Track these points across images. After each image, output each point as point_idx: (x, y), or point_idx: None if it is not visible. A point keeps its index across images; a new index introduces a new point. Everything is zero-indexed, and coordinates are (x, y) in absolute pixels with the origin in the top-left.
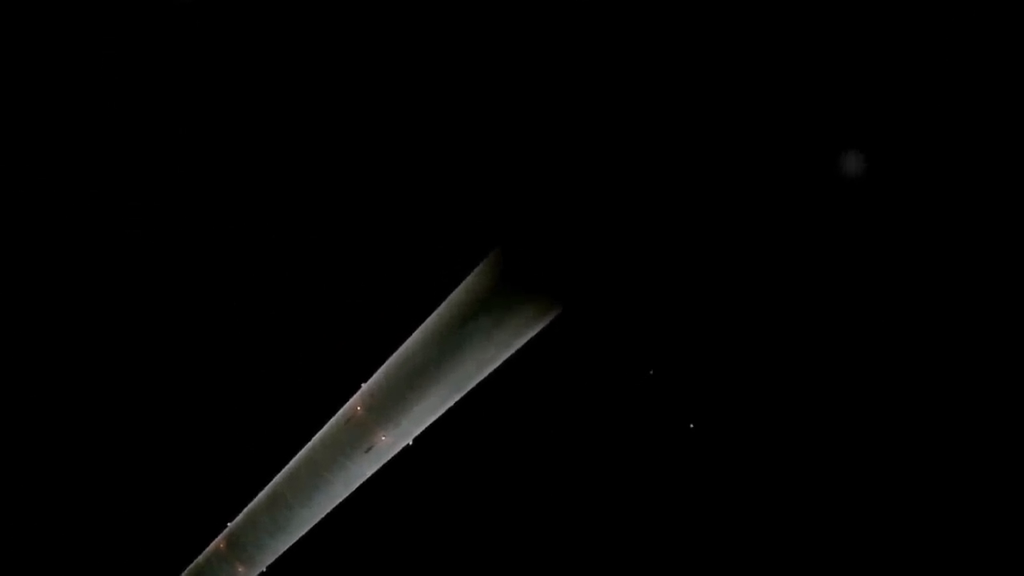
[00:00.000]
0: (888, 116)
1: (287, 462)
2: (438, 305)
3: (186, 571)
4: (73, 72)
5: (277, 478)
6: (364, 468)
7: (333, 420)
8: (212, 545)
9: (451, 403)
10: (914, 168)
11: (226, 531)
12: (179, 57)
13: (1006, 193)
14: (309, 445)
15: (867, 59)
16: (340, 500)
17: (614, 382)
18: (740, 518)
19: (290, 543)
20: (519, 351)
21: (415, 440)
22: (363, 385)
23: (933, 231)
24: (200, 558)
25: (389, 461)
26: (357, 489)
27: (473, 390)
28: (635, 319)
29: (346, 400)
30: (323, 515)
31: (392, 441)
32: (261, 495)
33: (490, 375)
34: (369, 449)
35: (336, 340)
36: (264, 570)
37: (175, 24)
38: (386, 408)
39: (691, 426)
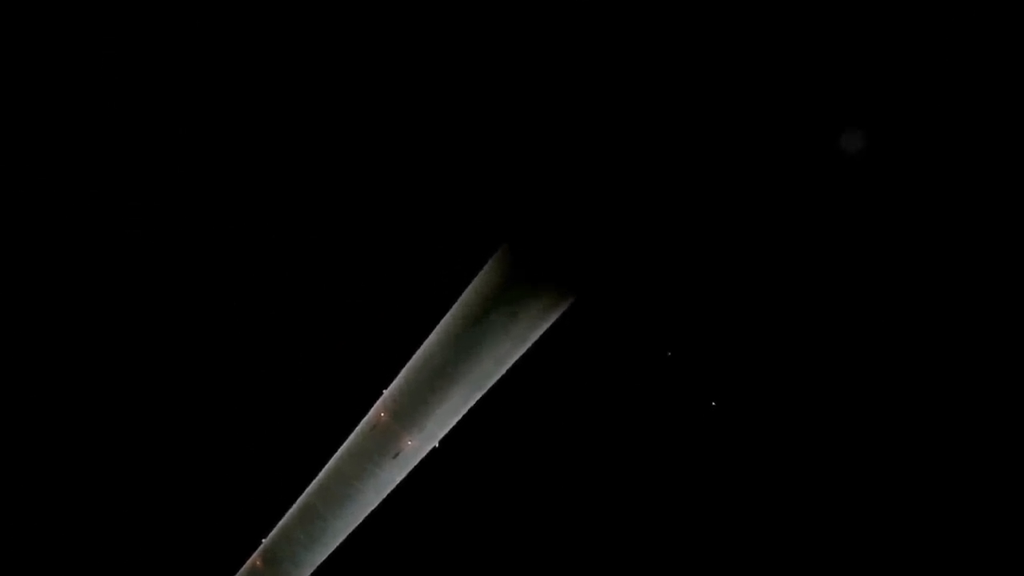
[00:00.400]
0: (898, 113)
1: (315, 474)
2: (449, 305)
3: None
4: (73, 72)
5: (308, 491)
6: (393, 474)
7: (358, 429)
8: (248, 563)
9: (473, 401)
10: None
11: (261, 548)
12: (189, 58)
13: (1006, 192)
14: (336, 455)
15: (877, 56)
16: (372, 508)
17: (631, 367)
18: (760, 504)
19: (326, 555)
20: (536, 344)
21: (441, 441)
22: (384, 391)
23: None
24: None
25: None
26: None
27: (494, 385)
28: (646, 303)
29: (368, 407)
30: (356, 524)
31: (419, 445)
32: (293, 509)
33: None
34: (397, 455)
35: (352, 347)
36: None
37: (179, 24)
38: (410, 412)
39: (713, 404)
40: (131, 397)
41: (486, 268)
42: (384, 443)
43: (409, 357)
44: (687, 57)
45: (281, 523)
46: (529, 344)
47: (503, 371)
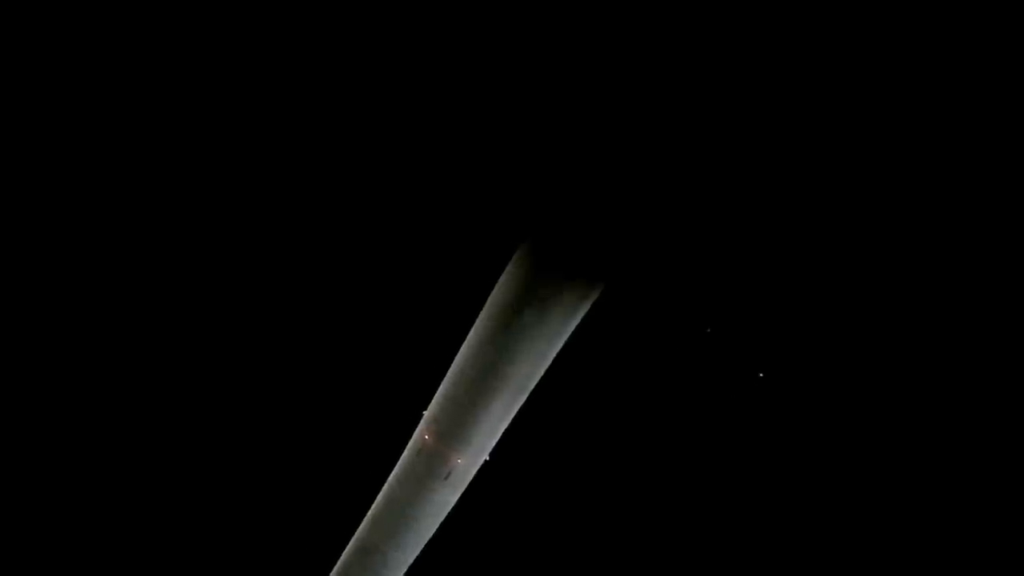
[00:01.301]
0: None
1: (366, 508)
2: (472, 311)
3: None
4: (73, 71)
5: (362, 528)
6: (448, 496)
7: (404, 455)
8: None
9: (517, 407)
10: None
11: None
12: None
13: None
14: (386, 486)
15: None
16: (431, 534)
17: (671, 349)
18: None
19: None
20: (573, 336)
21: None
22: (424, 412)
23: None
24: None
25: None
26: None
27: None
28: (678, 284)
29: (406, 429)
30: (418, 553)
31: (469, 461)
32: (349, 549)
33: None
34: (448, 475)
35: (380, 368)
36: None
37: (178, 24)
38: (454, 430)
39: (760, 375)
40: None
41: (508, 268)
42: (434, 466)
43: (440, 371)
44: (702, 48)
45: (339, 565)
46: (565, 339)
47: (543, 371)
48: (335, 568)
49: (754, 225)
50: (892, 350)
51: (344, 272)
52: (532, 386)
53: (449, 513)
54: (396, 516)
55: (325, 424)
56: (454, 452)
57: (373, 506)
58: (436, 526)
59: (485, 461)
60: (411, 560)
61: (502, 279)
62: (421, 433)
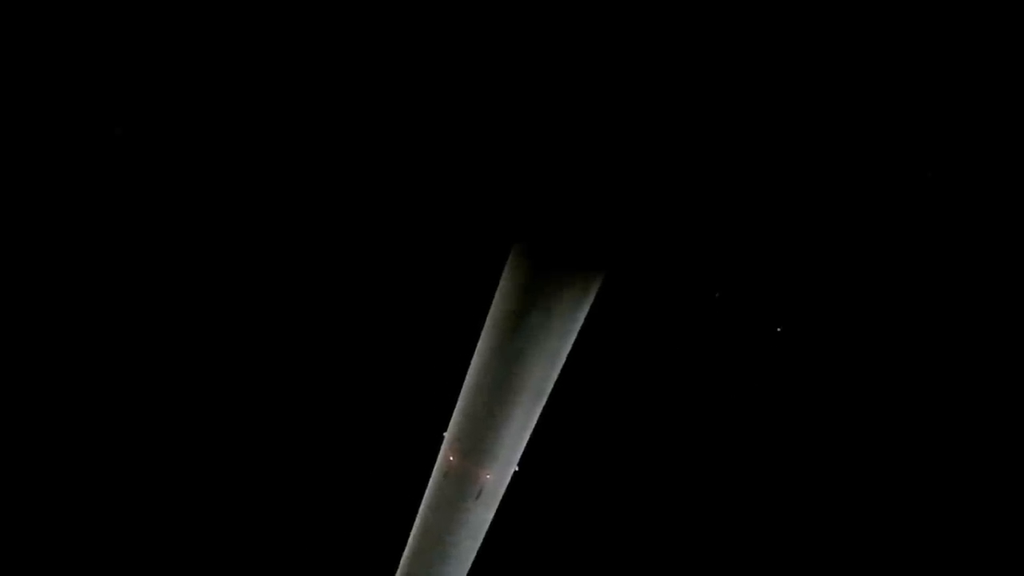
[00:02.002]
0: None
1: (402, 538)
2: (473, 321)
3: None
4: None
5: (403, 562)
6: (483, 514)
7: (432, 480)
8: None
9: (538, 412)
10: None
11: None
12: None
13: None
14: (419, 515)
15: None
16: (474, 555)
17: (682, 328)
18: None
19: None
20: (584, 328)
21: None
22: (445, 434)
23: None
24: None
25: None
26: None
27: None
28: (678, 264)
29: (430, 452)
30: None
31: (499, 476)
32: None
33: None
34: (479, 493)
35: (394, 396)
36: None
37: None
38: (478, 446)
39: (778, 330)
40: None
41: (506, 274)
42: (463, 486)
43: (452, 387)
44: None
45: None
46: (575, 334)
47: (558, 370)
48: None
49: (741, 201)
50: (892, 346)
51: (339, 293)
52: (550, 388)
53: (487, 531)
54: (435, 543)
55: (346, 455)
56: (482, 469)
57: (410, 538)
58: (477, 547)
59: (515, 472)
60: None
61: (501, 285)
62: (445, 455)
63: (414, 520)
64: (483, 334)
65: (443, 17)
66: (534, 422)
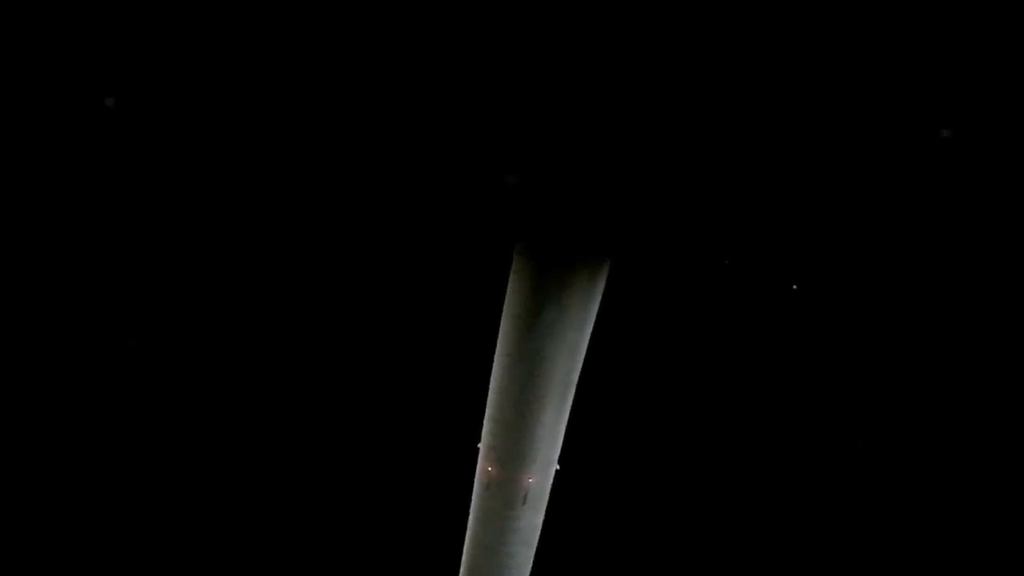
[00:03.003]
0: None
1: (456, 561)
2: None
3: None
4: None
5: None
6: (533, 519)
7: (475, 494)
8: None
9: (569, 407)
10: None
11: None
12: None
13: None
14: (469, 531)
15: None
16: (531, 562)
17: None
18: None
19: None
20: (600, 315)
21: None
22: (479, 446)
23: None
24: None
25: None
26: None
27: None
28: (683, 239)
29: (466, 465)
30: None
31: (541, 477)
32: None
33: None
34: (525, 499)
35: (419, 413)
36: None
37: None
38: (514, 452)
39: (794, 287)
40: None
41: (512, 275)
42: (507, 494)
43: (477, 396)
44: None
45: None
46: (591, 324)
47: (581, 362)
48: None
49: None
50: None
51: (349, 316)
52: (575, 381)
53: (540, 536)
54: (491, 557)
55: (386, 483)
56: (523, 474)
57: (464, 556)
58: (533, 553)
59: (556, 471)
60: None
61: (510, 288)
62: (483, 466)
63: (464, 538)
64: (500, 340)
65: (433, 15)
66: (566, 418)
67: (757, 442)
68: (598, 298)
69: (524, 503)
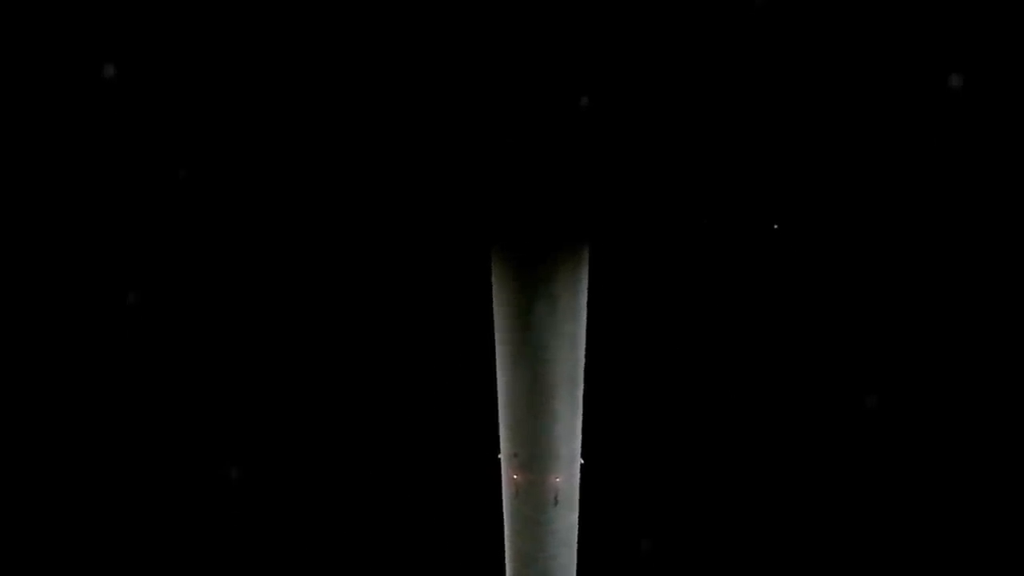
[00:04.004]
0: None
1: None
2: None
3: None
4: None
5: None
6: (569, 516)
7: (505, 506)
8: None
9: (581, 399)
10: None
11: None
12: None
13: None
14: (508, 544)
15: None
16: (576, 560)
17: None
18: None
19: None
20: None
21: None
22: (499, 455)
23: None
24: None
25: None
26: None
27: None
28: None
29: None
30: None
31: (568, 475)
32: None
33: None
34: (556, 499)
35: (431, 431)
36: None
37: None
38: (536, 454)
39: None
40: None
41: (494, 280)
42: (537, 498)
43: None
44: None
45: None
46: (584, 310)
47: (583, 351)
48: None
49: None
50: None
51: (344, 339)
52: (582, 372)
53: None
54: (536, 562)
55: (416, 508)
56: (548, 474)
57: (507, 569)
58: (575, 552)
59: (582, 464)
60: None
61: (496, 293)
62: (508, 474)
63: (504, 551)
64: (498, 346)
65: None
66: (580, 411)
67: (764, 426)
68: (585, 284)
69: (556, 503)
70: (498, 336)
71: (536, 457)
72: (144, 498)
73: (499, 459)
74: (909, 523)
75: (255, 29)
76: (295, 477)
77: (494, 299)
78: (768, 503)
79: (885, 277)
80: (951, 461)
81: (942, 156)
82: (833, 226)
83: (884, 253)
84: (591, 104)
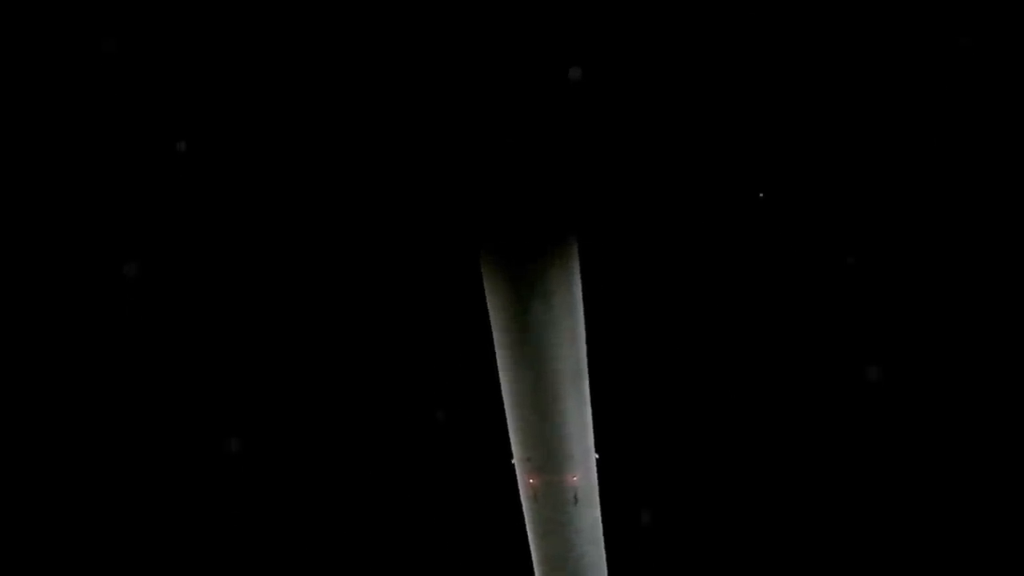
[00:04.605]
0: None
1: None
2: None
3: None
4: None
5: None
6: (591, 513)
7: (525, 511)
8: None
9: (588, 393)
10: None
11: None
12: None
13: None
14: (534, 550)
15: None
16: (604, 558)
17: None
18: None
19: None
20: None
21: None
22: (513, 461)
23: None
24: None
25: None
26: None
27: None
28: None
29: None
30: None
31: (584, 472)
32: None
33: None
34: (576, 498)
35: (441, 441)
36: None
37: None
38: (549, 455)
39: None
40: None
41: (487, 285)
42: (556, 498)
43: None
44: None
45: None
46: (581, 304)
47: (584, 345)
48: None
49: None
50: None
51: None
52: (585, 367)
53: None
54: (564, 562)
55: (437, 522)
56: (565, 474)
57: (536, 571)
58: (602, 549)
59: (597, 460)
60: None
61: (490, 298)
62: (524, 479)
63: (531, 557)
64: (498, 350)
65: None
66: (588, 405)
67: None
68: (578, 278)
69: (576, 502)
70: (497, 340)
71: (550, 458)
72: (144, 498)
73: (513, 464)
74: (923, 515)
75: (239, 32)
76: (317, 490)
77: (488, 304)
78: (778, 486)
79: (881, 268)
80: (951, 459)
81: (929, 149)
82: (820, 214)
83: (882, 249)
84: (569, 98)
